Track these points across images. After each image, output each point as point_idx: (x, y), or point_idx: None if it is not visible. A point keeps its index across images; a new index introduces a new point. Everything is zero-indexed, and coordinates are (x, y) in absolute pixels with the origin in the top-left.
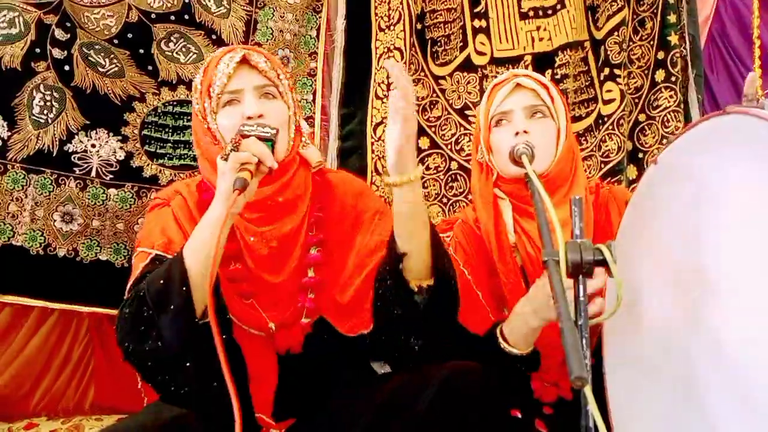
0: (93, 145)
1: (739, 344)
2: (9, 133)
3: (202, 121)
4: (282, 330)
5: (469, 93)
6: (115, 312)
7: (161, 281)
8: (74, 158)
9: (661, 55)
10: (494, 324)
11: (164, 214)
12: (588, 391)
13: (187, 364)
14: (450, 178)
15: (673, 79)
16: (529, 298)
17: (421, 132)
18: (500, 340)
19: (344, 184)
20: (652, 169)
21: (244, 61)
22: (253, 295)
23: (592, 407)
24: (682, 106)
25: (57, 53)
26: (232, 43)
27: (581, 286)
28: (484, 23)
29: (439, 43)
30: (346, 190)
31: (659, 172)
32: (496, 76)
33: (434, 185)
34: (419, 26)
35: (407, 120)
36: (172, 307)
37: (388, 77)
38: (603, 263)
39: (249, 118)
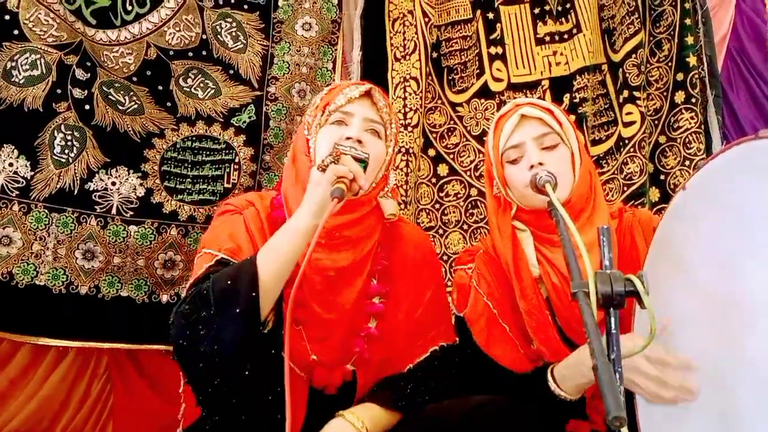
0: (113, 183)
1: None
2: (32, 173)
3: (306, 133)
4: (323, 368)
5: (487, 119)
6: (135, 347)
7: (228, 281)
8: (95, 196)
9: (680, 76)
10: (543, 366)
11: (235, 221)
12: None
13: (245, 372)
14: (470, 205)
15: (694, 100)
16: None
17: (440, 159)
18: (551, 383)
19: (415, 241)
20: (681, 194)
21: (368, 94)
22: (303, 324)
23: None
24: (702, 127)
25: (78, 93)
26: (249, 79)
27: (613, 319)
28: (500, 50)
29: (455, 71)
30: (417, 249)
31: (689, 197)
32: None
33: (454, 212)
34: (435, 55)
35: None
36: (237, 310)
37: (405, 106)
38: (635, 294)
39: (348, 138)
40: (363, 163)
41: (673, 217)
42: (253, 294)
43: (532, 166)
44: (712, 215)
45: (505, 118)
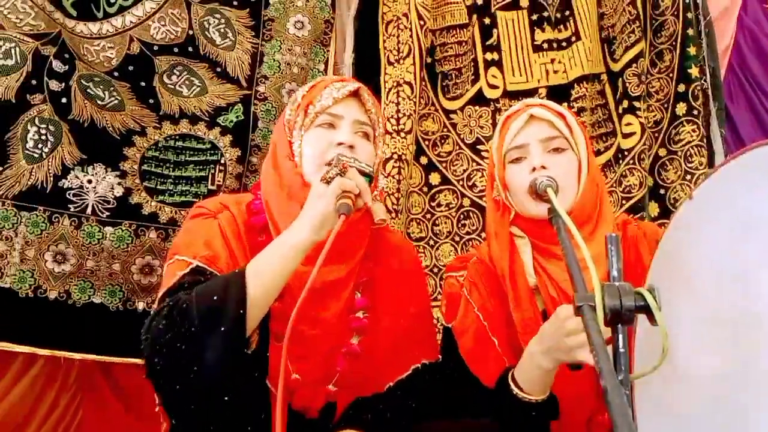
0: (89, 181)
1: None
2: (0, 168)
3: (286, 133)
4: (305, 388)
5: (482, 127)
6: (107, 359)
7: (215, 297)
8: (69, 194)
9: (681, 87)
10: (506, 369)
11: (210, 226)
12: None
13: (225, 396)
14: (462, 216)
15: (695, 112)
16: (542, 336)
17: (432, 168)
18: (512, 386)
19: (400, 251)
20: (686, 204)
21: (356, 94)
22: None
23: None
24: (704, 140)
25: (54, 85)
26: (237, 77)
27: (621, 336)
28: (496, 56)
29: (449, 77)
30: (402, 261)
31: (695, 208)
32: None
33: (446, 223)
34: (429, 60)
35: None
36: (222, 329)
37: (398, 111)
38: (645, 309)
39: (340, 143)
40: (368, 177)
41: (678, 229)
42: (241, 312)
43: (534, 169)
44: (719, 226)
45: (513, 118)
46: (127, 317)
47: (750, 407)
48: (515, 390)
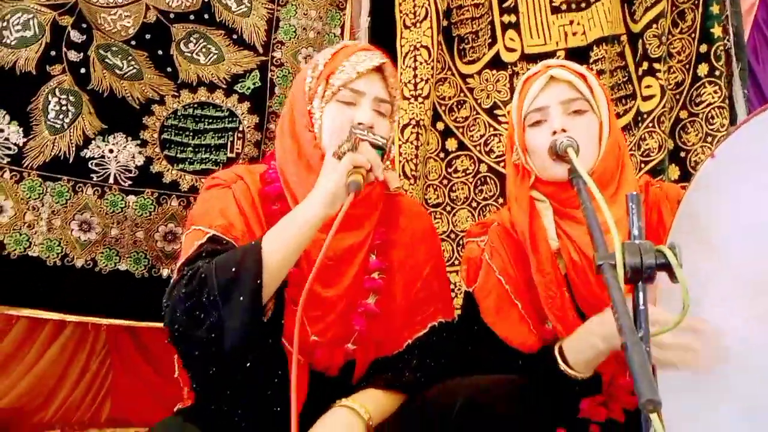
0: (111, 150)
1: None
2: (24, 140)
3: (305, 101)
4: (324, 348)
5: (499, 91)
6: (134, 324)
7: (233, 269)
8: (91, 164)
9: (703, 48)
10: (551, 342)
11: (225, 196)
12: (656, 416)
13: (245, 363)
14: (479, 181)
15: (717, 73)
16: (602, 320)
17: (449, 133)
18: (559, 360)
19: (413, 215)
20: (709, 162)
21: (379, 69)
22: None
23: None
24: (727, 101)
25: (73, 56)
26: (254, 44)
27: (641, 294)
28: (513, 18)
29: (466, 41)
30: (415, 223)
31: (718, 166)
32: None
33: (462, 188)
34: (445, 23)
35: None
36: (240, 299)
37: (415, 77)
38: (666, 267)
39: (360, 124)
40: (381, 150)
41: (700, 188)
42: (258, 282)
43: (554, 132)
44: (744, 184)
45: (532, 79)
46: (153, 283)
47: (765, 366)
48: (562, 364)
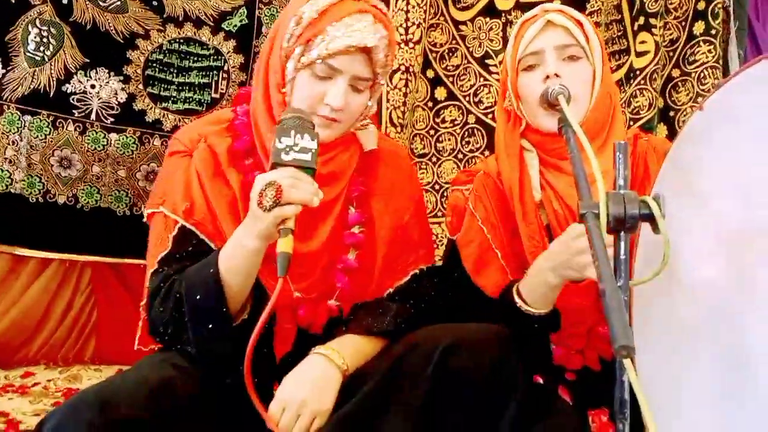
0: (93, 86)
1: None
2: (3, 71)
3: (282, 57)
4: (308, 304)
5: (491, 40)
6: (117, 260)
7: (197, 297)
8: (73, 99)
9: (701, 5)
10: (510, 282)
11: (186, 170)
12: (629, 361)
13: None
14: (467, 133)
15: (713, 32)
16: (551, 253)
17: (438, 82)
18: (516, 298)
19: (392, 162)
20: (697, 115)
21: (366, 50)
22: None
23: (632, 379)
24: (720, 61)
25: None
26: None
27: (623, 244)
28: None
29: None
30: (394, 171)
31: (706, 119)
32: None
33: (449, 139)
34: None
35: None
36: (209, 326)
37: (407, 20)
38: (649, 217)
39: (326, 105)
40: (310, 171)
41: (687, 140)
42: (224, 310)
43: (547, 77)
44: (731, 138)
45: (529, 23)
46: (134, 221)
47: (744, 317)
48: (519, 302)
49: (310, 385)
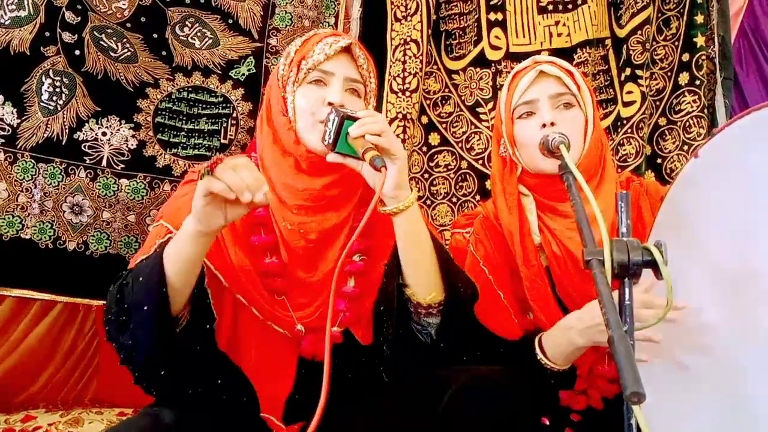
0: (104, 133)
1: None
2: (18, 121)
3: (280, 88)
4: (311, 335)
5: (481, 89)
6: None
7: (140, 278)
8: (84, 147)
9: (686, 57)
10: (532, 332)
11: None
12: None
13: (161, 372)
14: (460, 177)
15: (698, 82)
16: (581, 316)
17: (432, 127)
18: (538, 352)
19: None
20: (692, 162)
21: (347, 50)
22: (286, 293)
23: (641, 422)
24: (705, 111)
25: (67, 37)
26: (249, 29)
27: (627, 289)
28: (500, 16)
29: (453, 36)
30: None
31: (701, 166)
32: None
33: (444, 183)
34: (434, 17)
35: (399, 158)
36: (145, 308)
37: (404, 70)
38: (652, 264)
39: (330, 103)
40: (350, 121)
41: (683, 186)
42: (164, 290)
43: (543, 125)
44: (725, 184)
45: (522, 74)
46: None
47: (749, 364)
48: (539, 355)
49: None
